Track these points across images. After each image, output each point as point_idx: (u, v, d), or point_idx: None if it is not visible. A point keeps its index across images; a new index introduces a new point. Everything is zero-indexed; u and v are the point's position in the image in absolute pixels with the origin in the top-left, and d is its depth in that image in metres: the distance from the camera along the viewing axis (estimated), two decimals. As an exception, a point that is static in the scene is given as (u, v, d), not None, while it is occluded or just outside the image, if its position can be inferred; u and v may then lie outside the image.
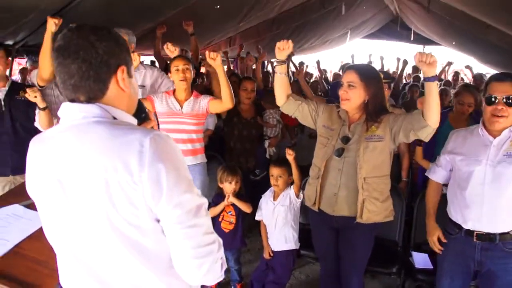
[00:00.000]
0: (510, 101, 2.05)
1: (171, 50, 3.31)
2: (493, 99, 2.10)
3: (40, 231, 1.85)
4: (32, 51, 4.38)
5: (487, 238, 2.18)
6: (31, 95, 2.83)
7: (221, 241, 1.19)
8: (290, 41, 2.36)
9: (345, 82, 2.35)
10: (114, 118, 1.12)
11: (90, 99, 1.10)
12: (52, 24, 2.84)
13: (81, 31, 1.08)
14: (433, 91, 2.06)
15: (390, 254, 3.16)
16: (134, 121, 1.20)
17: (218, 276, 1.17)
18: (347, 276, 2.60)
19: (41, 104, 2.89)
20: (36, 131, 3.07)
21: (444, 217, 2.41)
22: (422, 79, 8.96)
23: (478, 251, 2.22)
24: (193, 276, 1.12)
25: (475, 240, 2.21)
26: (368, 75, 2.35)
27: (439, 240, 2.42)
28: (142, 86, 3.38)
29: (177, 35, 4.98)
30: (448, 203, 2.39)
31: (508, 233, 2.16)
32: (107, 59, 1.09)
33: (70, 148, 1.07)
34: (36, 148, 1.16)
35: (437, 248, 2.42)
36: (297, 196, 2.95)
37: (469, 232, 2.23)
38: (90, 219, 1.07)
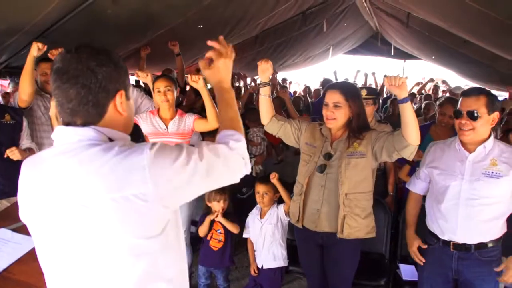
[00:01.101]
0: (473, 115, 2.11)
1: (142, 77, 3.34)
2: (458, 113, 2.18)
3: (28, 255, 1.84)
4: (15, 73, 4.36)
5: (463, 248, 2.24)
6: (11, 156, 2.72)
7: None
8: (269, 62, 2.41)
9: (330, 102, 2.37)
10: (110, 139, 1.11)
11: (87, 123, 1.09)
12: (35, 49, 2.85)
13: (80, 55, 1.07)
14: (407, 111, 2.11)
15: (378, 267, 3.19)
16: (128, 137, 1.19)
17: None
18: (335, 291, 2.62)
19: (22, 157, 2.76)
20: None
21: (424, 228, 2.46)
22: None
23: (455, 260, 2.27)
24: None
25: (452, 249, 2.27)
26: (352, 93, 2.38)
27: (420, 250, 2.46)
28: None
29: (161, 55, 5.02)
30: (426, 214, 2.45)
31: (483, 243, 2.22)
32: (106, 85, 1.08)
33: (65, 172, 1.04)
34: (28, 172, 1.14)
35: (418, 259, 2.46)
36: (286, 215, 2.97)
37: (446, 242, 2.29)
38: (86, 245, 1.05)
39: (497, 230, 2.24)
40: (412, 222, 2.55)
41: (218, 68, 1.38)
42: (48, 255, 1.15)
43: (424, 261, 2.44)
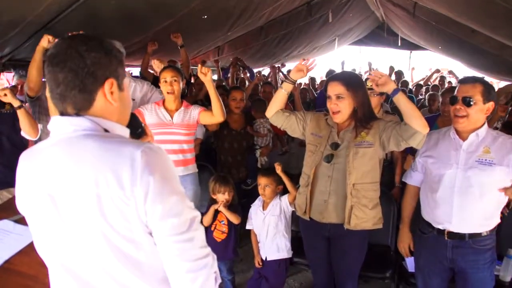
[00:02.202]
0: (468, 101, 2.12)
1: (158, 66, 3.34)
2: (454, 99, 2.18)
3: (30, 246, 1.84)
4: (19, 65, 4.35)
5: (457, 236, 2.26)
6: (1, 94, 2.81)
7: (215, 256, 1.19)
8: (307, 67, 2.43)
9: (332, 95, 2.35)
10: (106, 130, 1.11)
11: (78, 110, 1.09)
12: (46, 40, 2.86)
13: (72, 41, 1.08)
14: (402, 102, 2.14)
15: (383, 259, 3.18)
16: (126, 132, 1.19)
17: None
18: (341, 283, 2.61)
19: (14, 103, 2.87)
20: (23, 144, 3.04)
21: (419, 217, 2.48)
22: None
23: (450, 249, 2.29)
24: None
25: (446, 238, 2.29)
26: (353, 83, 2.36)
27: (415, 239, 2.52)
28: (132, 100, 3.38)
29: (166, 47, 4.99)
30: (421, 204, 2.45)
31: (477, 233, 2.23)
32: (94, 70, 1.08)
33: (61, 162, 1.06)
34: (25, 163, 1.14)
35: (406, 253, 2.55)
36: (291, 205, 2.95)
37: (441, 231, 2.31)
38: (82, 234, 1.06)
39: (492, 220, 2.25)
40: (408, 219, 2.57)
41: None
42: (46, 246, 1.16)
43: (409, 255, 2.54)
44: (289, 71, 10.06)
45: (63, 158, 1.05)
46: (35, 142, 3.32)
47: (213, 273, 1.15)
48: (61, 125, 1.10)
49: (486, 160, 2.15)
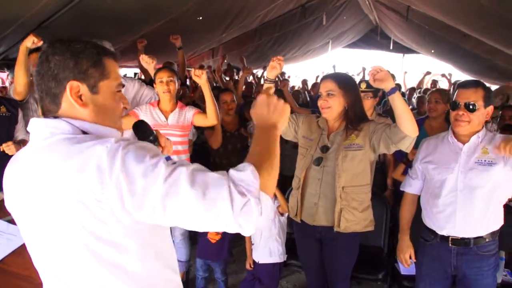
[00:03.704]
0: (470, 107, 2.10)
1: (147, 62, 3.29)
2: (455, 104, 2.16)
3: (23, 246, 1.83)
4: (13, 65, 4.33)
5: (462, 242, 2.23)
6: (7, 151, 2.74)
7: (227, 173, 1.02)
8: (282, 61, 2.35)
9: (323, 91, 2.36)
10: (84, 132, 1.07)
11: (49, 112, 1.10)
12: (30, 41, 2.80)
13: (48, 45, 1.09)
14: (398, 102, 2.09)
15: (376, 261, 3.19)
16: (115, 133, 1.14)
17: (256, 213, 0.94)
18: (333, 284, 2.62)
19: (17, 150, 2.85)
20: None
21: (419, 223, 2.44)
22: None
23: (454, 255, 2.26)
24: (231, 223, 0.93)
25: (450, 245, 2.26)
26: (345, 82, 2.36)
27: (417, 246, 2.46)
28: None
29: (161, 47, 4.99)
30: (422, 210, 2.43)
31: (482, 237, 2.21)
32: (56, 73, 1.06)
33: (38, 168, 1.03)
34: (10, 168, 1.13)
35: (406, 264, 2.48)
36: (282, 215, 2.98)
37: (444, 238, 2.27)
38: (63, 240, 1.04)
39: (495, 221, 2.24)
40: (407, 227, 2.51)
41: (259, 105, 1.24)
42: (32, 249, 1.15)
43: (410, 265, 2.49)
44: (282, 73, 10.11)
45: (40, 165, 1.03)
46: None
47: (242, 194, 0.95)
48: (37, 128, 1.09)
49: (485, 160, 2.15)
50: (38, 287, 1.60)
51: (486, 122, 2.28)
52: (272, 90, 2.47)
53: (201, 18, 5.16)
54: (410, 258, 2.49)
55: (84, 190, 0.96)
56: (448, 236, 2.26)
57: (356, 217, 2.38)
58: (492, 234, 2.23)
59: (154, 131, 1.33)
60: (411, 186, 2.48)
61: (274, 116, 1.21)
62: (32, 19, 3.40)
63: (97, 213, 0.97)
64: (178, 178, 0.94)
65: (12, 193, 1.11)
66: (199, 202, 0.92)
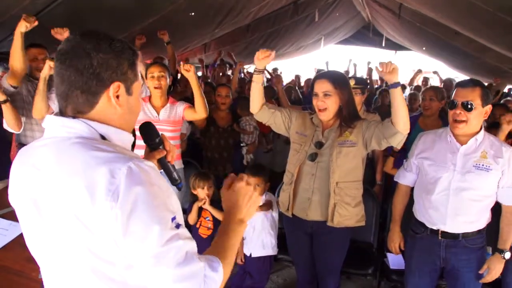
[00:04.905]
0: (468, 106, 2.12)
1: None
2: (453, 104, 2.18)
3: (14, 241, 1.84)
4: (3, 58, 4.30)
5: (451, 236, 2.29)
6: None
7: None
8: (272, 52, 2.37)
9: (319, 92, 2.36)
10: (102, 136, 1.04)
11: (78, 112, 1.04)
12: (22, 26, 2.80)
13: (82, 38, 1.03)
14: (397, 97, 2.12)
15: (365, 256, 3.22)
16: (129, 139, 1.12)
17: None
18: (323, 279, 2.66)
19: (0, 97, 2.86)
20: (6, 136, 3.00)
21: (410, 215, 2.50)
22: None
23: (443, 248, 2.32)
24: None
25: (440, 238, 2.31)
26: (340, 81, 2.38)
27: (407, 239, 2.55)
28: None
29: (153, 43, 4.97)
30: (414, 203, 2.48)
31: (469, 232, 2.27)
32: (99, 72, 1.02)
33: (47, 167, 1.00)
34: (19, 160, 1.10)
35: (395, 251, 2.59)
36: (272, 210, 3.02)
37: (434, 231, 2.33)
38: (62, 244, 1.01)
39: (484, 220, 2.30)
40: (399, 217, 2.58)
41: (236, 192, 1.24)
42: (32, 245, 1.13)
43: (399, 253, 2.58)
44: (275, 69, 10.11)
45: (49, 164, 1.00)
46: (18, 135, 3.30)
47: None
48: (53, 126, 1.04)
49: (483, 165, 2.17)
50: (29, 281, 1.62)
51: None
52: (261, 82, 2.50)
53: (193, 14, 5.15)
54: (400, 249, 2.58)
55: (89, 204, 0.93)
56: (438, 230, 2.31)
57: (349, 212, 2.42)
58: (481, 230, 2.29)
59: (160, 134, 1.30)
60: (405, 178, 2.54)
61: (246, 209, 1.24)
62: (23, 12, 3.36)
63: (98, 231, 0.95)
64: (169, 253, 0.97)
65: (18, 187, 1.08)
66: (173, 281, 0.98)
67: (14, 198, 1.12)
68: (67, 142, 0.99)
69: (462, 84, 2.22)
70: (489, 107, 2.18)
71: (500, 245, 2.28)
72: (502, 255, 2.26)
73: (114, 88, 1.04)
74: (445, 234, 2.30)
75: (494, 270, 2.27)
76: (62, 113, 1.06)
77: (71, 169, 0.96)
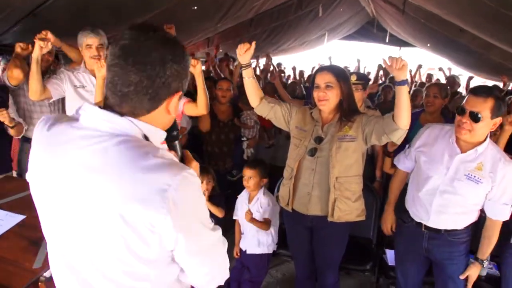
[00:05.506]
0: (476, 116, 2.07)
1: None
2: (462, 110, 2.14)
3: (10, 231, 1.85)
4: (6, 51, 4.31)
5: (434, 230, 2.35)
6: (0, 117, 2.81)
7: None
8: (252, 44, 2.38)
9: (321, 83, 2.36)
10: (145, 136, 1.03)
11: (133, 114, 1.01)
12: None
13: (155, 42, 0.99)
14: (403, 94, 2.09)
15: (365, 252, 3.23)
16: (162, 136, 1.11)
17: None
18: (322, 273, 2.66)
19: (10, 123, 2.89)
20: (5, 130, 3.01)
21: (402, 204, 2.56)
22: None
23: (426, 239, 2.39)
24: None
25: (423, 229, 2.38)
26: (342, 75, 2.39)
27: (396, 227, 2.65)
28: None
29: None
30: (406, 194, 2.52)
31: (453, 229, 2.32)
32: (170, 82, 1.01)
33: (89, 164, 0.97)
34: (47, 139, 1.05)
35: (387, 232, 2.69)
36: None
37: (418, 223, 2.40)
38: (93, 239, 1.01)
39: (468, 221, 2.32)
40: (394, 200, 2.66)
41: None
42: (47, 231, 1.12)
43: (390, 233, 2.67)
44: (279, 64, 10.09)
45: (92, 161, 0.97)
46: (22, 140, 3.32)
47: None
48: (97, 120, 1.00)
49: (475, 177, 2.16)
50: (22, 271, 1.64)
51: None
52: (252, 75, 2.51)
53: (196, 7, 5.14)
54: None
55: (140, 210, 0.94)
56: (421, 223, 2.37)
57: (349, 206, 2.43)
58: (465, 227, 2.32)
59: (178, 128, 1.28)
60: (404, 164, 2.57)
61: None
62: (24, 4, 3.38)
63: (146, 236, 0.98)
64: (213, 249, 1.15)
65: (44, 168, 1.05)
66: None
67: (35, 179, 1.09)
68: (114, 140, 0.97)
69: (475, 92, 2.13)
70: (499, 119, 2.11)
71: (479, 255, 2.33)
72: (482, 264, 2.32)
73: (176, 97, 1.06)
74: (428, 227, 2.36)
75: (473, 276, 2.36)
76: (106, 106, 1.02)
77: (120, 170, 0.95)
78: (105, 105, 1.03)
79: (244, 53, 2.38)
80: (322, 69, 2.45)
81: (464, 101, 2.17)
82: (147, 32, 0.99)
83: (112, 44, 1.02)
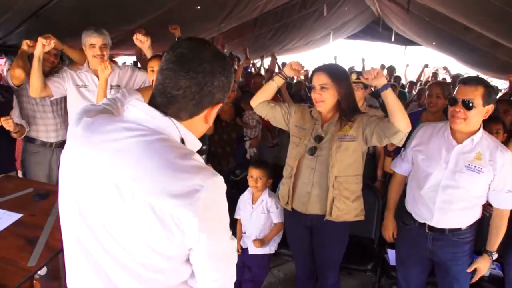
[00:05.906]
0: (468, 104, 2.10)
1: (141, 40, 3.21)
2: (454, 100, 2.17)
3: (7, 230, 1.86)
4: (10, 51, 4.34)
5: (438, 230, 2.32)
6: (5, 125, 2.84)
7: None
8: (305, 71, 2.42)
9: (316, 85, 2.36)
10: (182, 139, 1.10)
11: (175, 116, 1.08)
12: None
13: (211, 55, 1.08)
14: (389, 99, 2.13)
15: (366, 252, 3.22)
16: (199, 145, 1.17)
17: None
18: (323, 273, 2.66)
19: (14, 129, 2.94)
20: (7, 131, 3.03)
21: (403, 206, 2.53)
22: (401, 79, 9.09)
23: (430, 240, 2.36)
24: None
25: (427, 230, 2.34)
26: (338, 74, 2.37)
27: (397, 229, 2.61)
28: (118, 86, 3.29)
29: (157, 37, 4.98)
30: (406, 195, 2.50)
31: (457, 228, 2.29)
32: (215, 92, 1.09)
33: (128, 153, 1.02)
34: (88, 132, 1.09)
35: (389, 239, 2.64)
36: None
37: (422, 224, 2.36)
38: (120, 222, 1.04)
39: (472, 218, 2.30)
40: (393, 206, 2.63)
41: None
42: (70, 216, 1.13)
43: (392, 241, 2.62)
44: (283, 64, 10.07)
45: (134, 157, 1.01)
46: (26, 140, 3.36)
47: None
48: (142, 115, 1.07)
49: (475, 166, 2.16)
50: (20, 270, 1.65)
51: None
52: (279, 85, 2.54)
53: (199, 7, 5.14)
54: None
55: (169, 207, 0.99)
56: (425, 223, 2.34)
57: (347, 206, 2.42)
58: (469, 226, 2.30)
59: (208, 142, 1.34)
60: (401, 168, 2.56)
61: None
62: (28, 5, 3.39)
63: (172, 233, 1.02)
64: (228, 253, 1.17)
65: (78, 157, 1.08)
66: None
67: (70, 167, 1.11)
68: (155, 137, 1.04)
69: (465, 82, 2.20)
70: (490, 107, 2.15)
71: (488, 247, 2.31)
72: (490, 256, 2.29)
73: (216, 108, 1.14)
74: (432, 228, 2.32)
75: (481, 270, 2.32)
76: (152, 105, 1.08)
77: (159, 164, 1.00)
78: (151, 104, 1.09)
79: (294, 69, 2.44)
80: (317, 69, 2.44)
81: (455, 91, 2.20)
82: (203, 45, 1.09)
83: (168, 50, 1.09)
